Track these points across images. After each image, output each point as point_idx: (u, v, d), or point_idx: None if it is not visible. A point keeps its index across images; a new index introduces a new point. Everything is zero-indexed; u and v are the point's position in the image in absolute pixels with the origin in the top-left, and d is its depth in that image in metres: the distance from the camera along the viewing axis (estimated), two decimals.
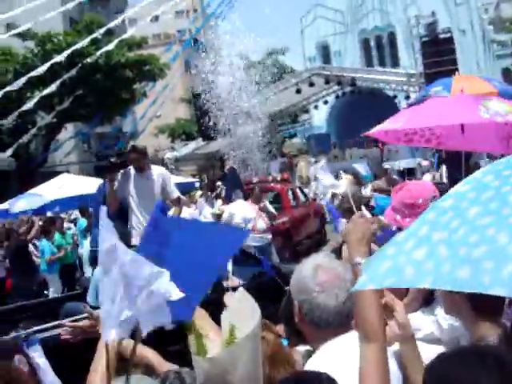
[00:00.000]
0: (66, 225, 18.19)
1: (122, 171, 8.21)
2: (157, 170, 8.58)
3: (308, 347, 2.73)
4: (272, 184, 18.56)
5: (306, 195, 19.75)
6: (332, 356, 2.34)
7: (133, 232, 7.81)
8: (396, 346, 2.58)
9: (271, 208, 12.99)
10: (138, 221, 8.16)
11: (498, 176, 1.87)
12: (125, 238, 6.65)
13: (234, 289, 2.20)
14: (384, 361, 2.16)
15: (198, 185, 24.56)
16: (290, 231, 15.68)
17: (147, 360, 2.87)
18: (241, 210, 12.34)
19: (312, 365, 2.36)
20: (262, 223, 12.68)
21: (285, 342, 2.94)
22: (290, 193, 18.01)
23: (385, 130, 6.38)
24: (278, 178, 19.99)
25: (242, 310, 2.14)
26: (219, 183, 24.46)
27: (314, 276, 2.47)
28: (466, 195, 1.85)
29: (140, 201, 8.21)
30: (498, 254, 1.54)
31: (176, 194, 8.69)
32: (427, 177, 18.41)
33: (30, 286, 13.17)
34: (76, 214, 19.94)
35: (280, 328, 3.16)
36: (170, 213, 8.70)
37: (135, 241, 7.32)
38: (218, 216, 13.34)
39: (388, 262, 1.75)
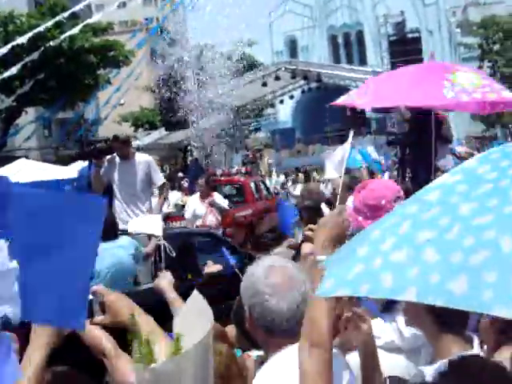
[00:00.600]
0: None
1: (108, 157, 8.54)
2: (142, 158, 8.91)
3: (260, 352, 2.58)
4: (236, 177, 18.72)
5: (268, 189, 19.87)
6: (285, 367, 2.18)
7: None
8: (353, 356, 2.44)
9: (222, 203, 12.58)
10: (122, 207, 8.50)
11: (494, 167, 1.59)
12: (111, 222, 6.75)
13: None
14: (329, 369, 1.98)
15: None
16: (252, 224, 15.84)
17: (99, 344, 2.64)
18: (191, 205, 12.24)
19: (264, 375, 2.22)
20: (212, 218, 12.25)
21: (238, 353, 2.79)
22: (253, 186, 18.09)
23: (351, 104, 6.54)
24: (242, 171, 20.16)
25: (193, 315, 1.96)
26: (181, 174, 24.41)
27: (265, 278, 2.29)
28: (456, 188, 1.56)
29: (123, 187, 8.56)
30: (502, 264, 1.28)
31: (161, 180, 9.14)
32: (386, 177, 18.28)
33: None
34: None
35: (232, 329, 3.03)
36: (155, 199, 9.45)
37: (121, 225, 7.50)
38: (183, 207, 13.25)
39: (360, 265, 1.49)
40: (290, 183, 27.68)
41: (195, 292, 1.97)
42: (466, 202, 1.48)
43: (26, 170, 19.37)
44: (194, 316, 1.92)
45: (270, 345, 2.31)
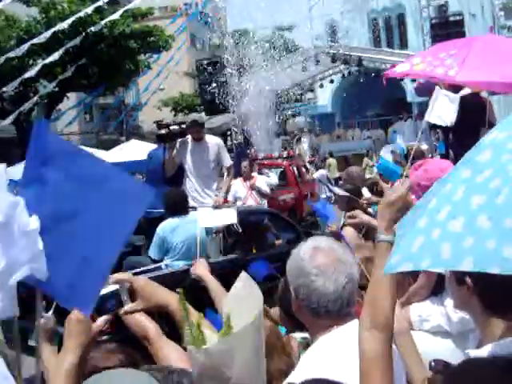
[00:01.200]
0: None
1: (180, 140, 9.16)
2: (213, 140, 9.58)
3: (305, 334, 2.56)
4: (278, 160, 18.86)
5: (309, 172, 19.89)
6: (332, 348, 2.16)
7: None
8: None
9: (264, 186, 12.77)
10: (193, 186, 9.11)
11: None
12: (183, 200, 7.80)
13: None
14: (390, 354, 1.97)
15: None
16: (294, 208, 15.95)
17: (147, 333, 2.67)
18: (233, 188, 12.41)
19: (310, 356, 2.20)
20: (252, 201, 12.52)
21: (282, 330, 2.78)
22: (295, 169, 18.14)
23: (424, 75, 5.35)
24: (284, 155, 20.33)
25: (243, 296, 1.96)
26: None
27: (311, 259, 2.27)
28: (507, 145, 1.46)
29: (195, 167, 9.17)
30: None
31: (229, 162, 9.71)
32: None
33: None
34: None
35: (275, 311, 3.02)
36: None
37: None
38: None
39: (421, 238, 1.44)
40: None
41: (243, 273, 1.96)
42: None
43: None
44: (243, 297, 1.92)
45: (316, 327, 2.29)
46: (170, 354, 2.52)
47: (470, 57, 4.97)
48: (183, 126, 9.31)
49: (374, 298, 2.00)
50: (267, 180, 13.88)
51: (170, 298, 2.60)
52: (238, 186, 12.58)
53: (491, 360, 1.65)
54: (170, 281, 5.89)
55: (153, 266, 7.42)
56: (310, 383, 1.92)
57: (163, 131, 9.16)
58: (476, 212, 1.36)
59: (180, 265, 7.32)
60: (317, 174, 20.95)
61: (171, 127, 9.12)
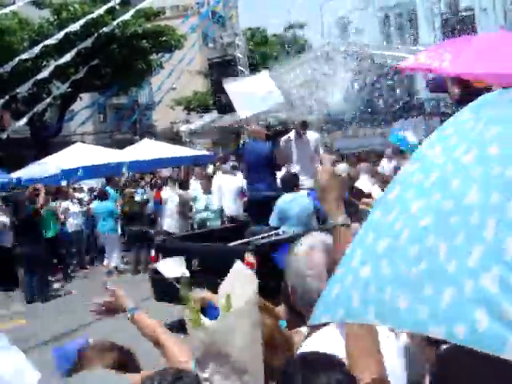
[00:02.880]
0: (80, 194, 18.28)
1: (283, 137, 12.16)
2: (312, 136, 12.32)
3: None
4: None
5: None
6: (325, 343, 2.21)
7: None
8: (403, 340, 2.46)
9: None
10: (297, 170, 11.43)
11: (445, 147, 1.38)
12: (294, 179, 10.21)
13: None
14: (375, 345, 1.98)
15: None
16: None
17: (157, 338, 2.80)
18: (234, 184, 13.41)
19: (307, 347, 2.25)
20: None
21: (283, 323, 2.83)
22: None
23: (424, 68, 5.45)
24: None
25: (239, 279, 2.04)
26: (232, 157, 24.57)
27: (307, 259, 2.32)
28: (412, 178, 1.38)
29: (299, 160, 11.79)
30: (437, 275, 1.16)
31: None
32: None
33: (39, 255, 13.26)
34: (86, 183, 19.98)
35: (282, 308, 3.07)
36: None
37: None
38: None
39: (337, 286, 1.38)
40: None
41: (237, 262, 2.05)
42: (417, 197, 1.33)
43: (82, 154, 19.79)
44: (240, 280, 2.00)
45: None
46: (174, 351, 2.63)
47: (466, 50, 5.06)
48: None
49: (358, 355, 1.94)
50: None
51: (159, 330, 2.75)
52: (239, 182, 14.17)
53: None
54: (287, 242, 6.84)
55: (272, 232, 9.31)
56: (305, 355, 1.97)
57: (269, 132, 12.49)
58: (380, 257, 1.29)
59: (294, 231, 8.94)
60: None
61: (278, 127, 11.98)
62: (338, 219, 2.06)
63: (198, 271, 8.06)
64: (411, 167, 1.42)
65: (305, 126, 12.06)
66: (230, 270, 2.07)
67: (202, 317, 2.02)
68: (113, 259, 15.64)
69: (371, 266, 1.29)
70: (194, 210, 13.93)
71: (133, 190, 17.12)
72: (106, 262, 15.93)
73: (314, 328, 2.33)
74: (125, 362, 2.47)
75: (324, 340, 2.22)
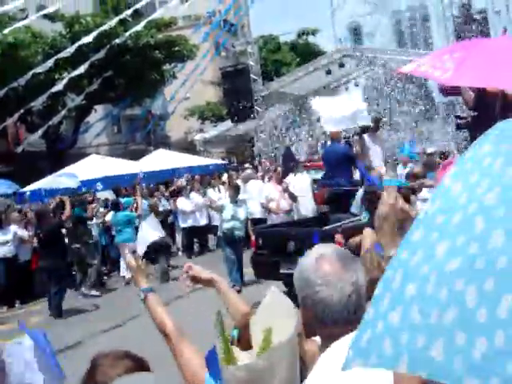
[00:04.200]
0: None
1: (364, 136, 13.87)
2: (379, 136, 14.53)
3: None
4: (320, 162, 19.88)
5: None
6: (341, 356, 2.14)
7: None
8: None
9: (297, 187, 14.09)
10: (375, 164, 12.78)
11: (466, 184, 1.31)
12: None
13: None
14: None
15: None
16: None
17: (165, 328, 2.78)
18: (264, 190, 13.45)
19: (324, 362, 2.20)
20: (285, 203, 14.15)
21: None
22: None
23: (426, 76, 5.39)
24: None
25: (277, 310, 1.98)
26: (247, 165, 24.63)
27: (315, 268, 2.26)
28: (436, 219, 1.31)
29: (372, 154, 13.59)
30: (467, 324, 1.10)
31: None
32: None
33: (60, 269, 13.24)
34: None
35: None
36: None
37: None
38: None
39: (368, 331, 1.32)
40: None
41: (273, 288, 1.99)
42: (441, 239, 1.26)
43: (97, 166, 19.87)
44: (277, 311, 1.93)
45: (324, 335, 2.28)
46: (191, 360, 2.58)
47: (468, 60, 5.01)
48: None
49: None
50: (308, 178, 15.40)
51: (166, 318, 2.72)
52: (270, 189, 14.23)
53: None
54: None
55: (356, 218, 10.01)
56: None
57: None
58: (409, 303, 1.24)
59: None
60: None
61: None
62: (391, 251, 2.03)
63: (293, 252, 9.67)
64: (434, 206, 1.35)
65: (377, 122, 14.16)
66: (268, 296, 2.01)
67: (235, 350, 1.96)
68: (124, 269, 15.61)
69: (401, 312, 1.24)
70: (221, 219, 13.90)
71: (155, 200, 17.20)
72: (122, 272, 15.91)
73: (324, 343, 2.28)
74: (138, 370, 2.44)
75: (335, 358, 2.16)
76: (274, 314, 1.96)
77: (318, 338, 2.66)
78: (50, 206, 15.47)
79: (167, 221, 17.21)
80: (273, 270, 10.54)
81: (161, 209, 16.94)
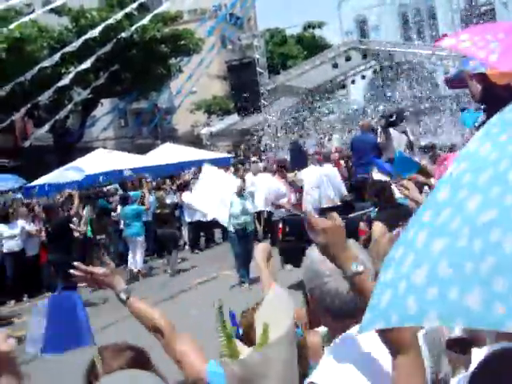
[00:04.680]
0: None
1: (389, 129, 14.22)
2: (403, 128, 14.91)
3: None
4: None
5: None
6: (354, 346, 2.14)
7: None
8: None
9: (306, 181, 14.46)
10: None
11: (495, 144, 1.35)
12: None
13: None
14: (421, 373, 1.80)
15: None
16: None
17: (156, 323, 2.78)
18: (273, 184, 13.35)
19: (331, 354, 2.20)
20: (293, 196, 14.57)
21: (299, 332, 2.79)
22: (343, 163, 19.34)
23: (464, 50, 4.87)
24: (333, 150, 21.23)
25: (276, 308, 1.99)
26: (254, 158, 24.66)
27: (324, 259, 2.27)
28: (463, 178, 1.33)
29: (396, 145, 13.57)
30: (506, 269, 1.12)
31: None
32: None
33: (70, 263, 13.26)
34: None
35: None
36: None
37: None
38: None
39: (388, 292, 1.33)
40: None
41: (275, 285, 2.00)
42: (472, 195, 1.28)
43: (104, 160, 19.91)
44: (277, 309, 1.94)
45: (333, 327, 2.28)
46: (187, 352, 2.60)
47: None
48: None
49: None
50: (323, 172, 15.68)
51: (155, 313, 2.73)
52: (279, 184, 14.38)
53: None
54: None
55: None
56: None
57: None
58: (437, 258, 1.26)
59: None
60: None
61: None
62: (350, 269, 1.99)
63: None
64: (458, 168, 1.39)
65: (401, 114, 15.50)
66: (270, 293, 2.02)
67: (238, 344, 1.96)
68: (137, 263, 15.67)
69: (428, 269, 1.26)
70: (230, 215, 13.51)
71: (161, 193, 17.25)
72: (130, 265, 15.95)
73: (333, 335, 2.28)
74: (140, 362, 2.46)
75: (348, 349, 2.15)
76: (274, 310, 1.97)
77: (321, 329, 2.67)
78: (58, 200, 15.53)
79: (174, 214, 17.23)
80: (299, 255, 10.56)
81: (168, 201, 16.98)
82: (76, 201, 14.20)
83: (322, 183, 14.59)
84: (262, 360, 1.86)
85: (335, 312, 2.21)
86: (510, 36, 4.97)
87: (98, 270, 2.98)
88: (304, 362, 2.34)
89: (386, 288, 1.36)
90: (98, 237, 14.83)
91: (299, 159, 17.47)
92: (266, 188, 15.03)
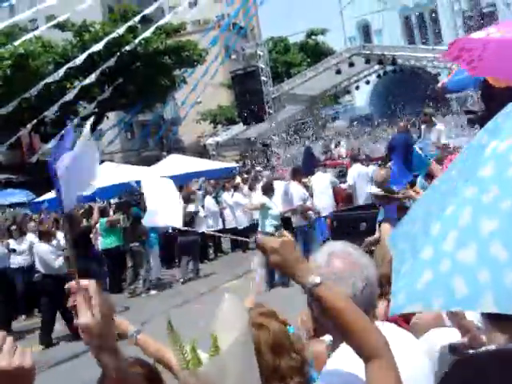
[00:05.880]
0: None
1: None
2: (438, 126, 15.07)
3: None
4: (339, 160, 22.14)
5: None
6: (354, 355, 2.13)
7: None
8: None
9: (315, 186, 14.90)
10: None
11: None
12: None
13: None
14: (395, 377, 1.81)
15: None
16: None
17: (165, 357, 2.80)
18: (296, 190, 13.50)
19: (336, 361, 2.20)
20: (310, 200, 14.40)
21: (291, 330, 2.79)
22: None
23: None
24: (344, 155, 21.82)
25: (228, 317, 1.98)
26: (259, 168, 24.70)
27: (327, 264, 2.28)
28: (509, 157, 1.26)
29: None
30: None
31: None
32: None
33: (90, 274, 13.27)
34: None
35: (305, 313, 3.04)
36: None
37: None
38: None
39: (428, 272, 1.23)
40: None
41: (227, 294, 2.00)
42: None
43: (111, 173, 19.93)
44: (229, 317, 1.93)
45: (336, 333, 2.28)
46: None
47: None
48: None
49: (358, 329, 1.83)
50: (331, 178, 16.33)
51: (163, 349, 2.74)
52: (300, 189, 14.08)
53: (494, 351, 1.63)
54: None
55: None
56: None
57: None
58: (488, 239, 1.16)
59: None
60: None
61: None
62: (309, 282, 1.97)
63: (365, 231, 10.09)
64: (503, 144, 1.29)
65: (431, 114, 15.83)
66: (223, 303, 2.01)
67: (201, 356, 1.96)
68: (153, 272, 15.76)
69: (477, 249, 1.17)
70: (264, 218, 13.74)
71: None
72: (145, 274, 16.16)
73: (337, 340, 2.27)
74: (149, 379, 2.47)
75: (348, 356, 2.14)
76: (226, 320, 1.96)
77: (326, 338, 2.67)
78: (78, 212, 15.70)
79: (193, 223, 17.25)
80: (350, 232, 11.47)
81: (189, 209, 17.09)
82: (96, 213, 14.35)
83: (328, 189, 15.22)
84: (215, 370, 1.86)
85: None
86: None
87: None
88: (299, 357, 2.37)
89: (423, 267, 1.26)
90: (132, 245, 14.99)
91: (310, 165, 17.70)
92: (283, 194, 15.14)
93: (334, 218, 13.36)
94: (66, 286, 1.80)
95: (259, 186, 19.51)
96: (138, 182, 19.19)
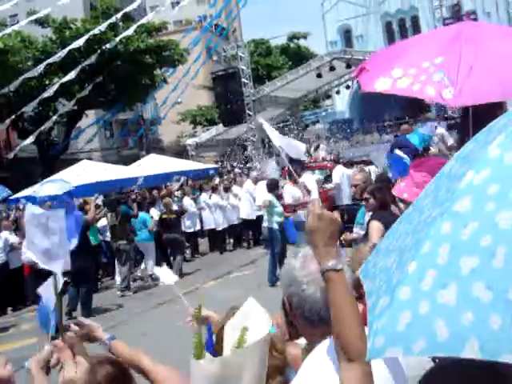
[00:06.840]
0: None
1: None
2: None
3: None
4: (324, 163, 22.20)
5: None
6: (328, 358, 2.13)
7: None
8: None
9: (309, 185, 14.51)
10: None
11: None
12: None
13: None
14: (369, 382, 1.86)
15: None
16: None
17: (140, 363, 2.76)
18: (289, 190, 14.11)
19: (310, 363, 2.19)
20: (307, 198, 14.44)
21: (272, 330, 2.77)
22: None
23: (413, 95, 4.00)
24: (328, 158, 22.95)
25: (253, 315, 2.01)
26: (237, 170, 24.75)
27: (301, 267, 2.25)
28: (487, 190, 1.20)
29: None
30: None
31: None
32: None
33: (87, 269, 13.14)
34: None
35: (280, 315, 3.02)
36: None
37: None
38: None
39: (407, 313, 1.17)
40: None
41: (250, 298, 2.02)
42: (503, 209, 1.15)
43: (89, 171, 19.78)
44: (254, 315, 1.96)
45: (312, 335, 2.25)
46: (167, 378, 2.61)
47: (462, 71, 3.99)
48: None
49: (341, 331, 1.89)
50: (316, 177, 16.78)
51: (138, 355, 2.71)
52: (294, 190, 14.17)
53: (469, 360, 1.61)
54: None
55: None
56: None
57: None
58: (469, 278, 1.11)
59: None
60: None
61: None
62: (327, 263, 1.98)
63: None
64: (479, 175, 1.24)
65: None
66: (244, 304, 2.04)
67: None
68: (149, 267, 15.74)
69: (458, 290, 1.12)
70: (270, 215, 13.93)
71: (169, 199, 17.23)
72: (141, 271, 16.27)
73: (311, 343, 2.26)
74: (119, 375, 2.44)
75: (322, 359, 2.14)
76: (250, 319, 1.99)
77: (300, 342, 2.66)
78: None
79: (180, 220, 17.24)
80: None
81: (175, 207, 17.13)
82: (92, 208, 14.24)
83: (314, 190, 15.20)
84: (239, 361, 1.88)
85: (313, 318, 2.20)
86: (450, 55, 4.12)
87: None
88: (281, 357, 2.35)
89: (402, 308, 1.19)
90: (119, 243, 14.90)
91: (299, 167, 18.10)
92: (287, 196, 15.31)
93: (344, 211, 13.60)
94: (52, 343, 1.95)
95: (236, 187, 19.61)
96: (138, 178, 19.36)
